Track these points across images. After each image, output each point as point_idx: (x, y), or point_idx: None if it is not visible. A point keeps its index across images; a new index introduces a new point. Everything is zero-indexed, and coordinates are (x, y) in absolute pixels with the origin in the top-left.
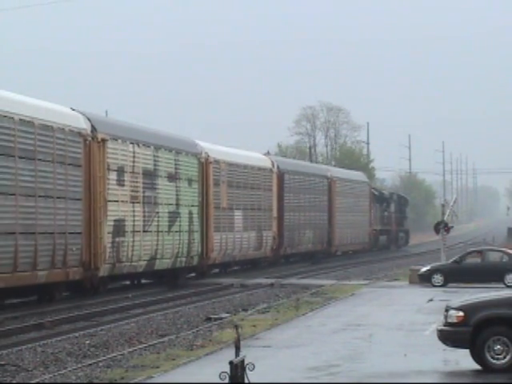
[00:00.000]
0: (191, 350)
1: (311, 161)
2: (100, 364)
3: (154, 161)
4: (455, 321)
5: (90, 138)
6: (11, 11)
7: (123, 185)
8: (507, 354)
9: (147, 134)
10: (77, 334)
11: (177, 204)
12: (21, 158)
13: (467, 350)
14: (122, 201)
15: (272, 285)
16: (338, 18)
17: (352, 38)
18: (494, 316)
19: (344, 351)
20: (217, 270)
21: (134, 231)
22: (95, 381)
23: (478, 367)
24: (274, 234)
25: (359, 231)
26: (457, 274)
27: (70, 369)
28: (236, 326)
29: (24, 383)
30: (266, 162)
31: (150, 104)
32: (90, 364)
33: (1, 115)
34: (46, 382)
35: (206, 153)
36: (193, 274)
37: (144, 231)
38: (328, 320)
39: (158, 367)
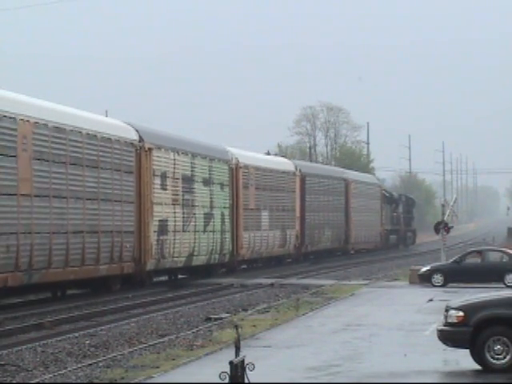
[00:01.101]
0: (191, 350)
1: (311, 161)
2: (100, 364)
3: (191, 167)
4: (455, 321)
5: (138, 148)
6: (13, 11)
7: (166, 189)
8: (507, 354)
9: (185, 143)
10: (77, 334)
11: (211, 206)
12: (87, 166)
13: (467, 350)
14: (165, 203)
15: (272, 285)
16: (339, 19)
17: (352, 39)
18: (494, 316)
19: (344, 351)
20: (245, 266)
21: (175, 230)
22: (95, 381)
23: (478, 367)
24: (296, 232)
25: (372, 230)
26: (457, 274)
27: (70, 369)
28: (236, 326)
29: (24, 383)
30: (289, 166)
31: (150, 104)
32: (90, 364)
33: (73, 130)
34: (46, 382)
35: (236, 158)
36: (223, 270)
37: (183, 230)
38: (328, 320)
39: (158, 367)
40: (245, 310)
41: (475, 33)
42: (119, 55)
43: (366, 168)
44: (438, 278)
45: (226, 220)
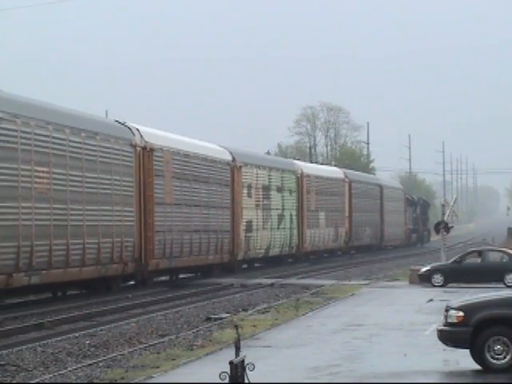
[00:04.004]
0: (191, 350)
1: (311, 161)
2: (100, 364)
3: (268, 178)
4: (455, 321)
5: (232, 166)
6: (13, 11)
7: (251, 196)
8: (507, 354)
9: (263, 159)
10: (77, 334)
11: (282, 208)
12: (202, 181)
13: (467, 350)
14: (250, 207)
15: (272, 285)
16: (339, 19)
17: (352, 39)
18: (494, 316)
19: (344, 351)
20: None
21: (257, 229)
22: (95, 381)
23: (478, 367)
24: (346, 230)
25: (399, 229)
26: (457, 274)
27: (70, 369)
28: (236, 326)
29: (24, 383)
30: (340, 174)
31: (151, 104)
32: (90, 364)
33: (194, 155)
34: (46, 382)
35: (300, 169)
36: (290, 260)
37: (263, 228)
38: (328, 320)
39: (158, 367)
40: (245, 310)
41: (476, 35)
42: (118, 57)
43: (366, 168)
44: (438, 278)
45: (293, 219)
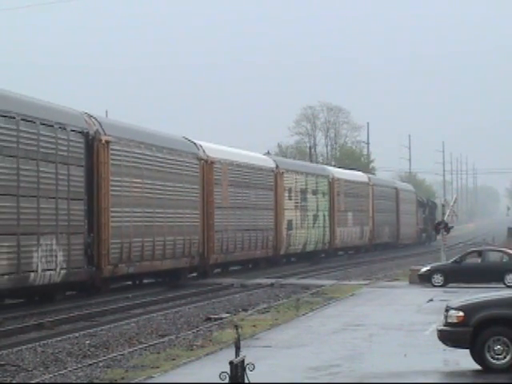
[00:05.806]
0: (191, 350)
1: (311, 161)
2: (100, 364)
3: (305, 182)
4: (455, 321)
5: (276, 173)
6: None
7: (291, 199)
8: (507, 354)
9: (301, 166)
10: (77, 334)
11: (317, 209)
12: (250, 187)
13: (467, 350)
14: (290, 208)
15: (272, 285)
16: (339, 18)
17: (352, 39)
18: (494, 316)
19: (344, 351)
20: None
21: (296, 227)
22: (95, 381)
23: (478, 367)
24: (370, 228)
25: (411, 229)
26: (457, 274)
27: (70, 369)
28: (236, 326)
29: (24, 383)
30: (365, 178)
31: (150, 104)
32: (90, 364)
33: (245, 165)
34: (46, 382)
35: (331, 174)
36: (323, 255)
37: (301, 227)
38: (328, 320)
39: (158, 367)
40: (245, 310)
41: (477, 35)
42: (115, 55)
43: (366, 168)
44: (437, 278)
45: (326, 219)
